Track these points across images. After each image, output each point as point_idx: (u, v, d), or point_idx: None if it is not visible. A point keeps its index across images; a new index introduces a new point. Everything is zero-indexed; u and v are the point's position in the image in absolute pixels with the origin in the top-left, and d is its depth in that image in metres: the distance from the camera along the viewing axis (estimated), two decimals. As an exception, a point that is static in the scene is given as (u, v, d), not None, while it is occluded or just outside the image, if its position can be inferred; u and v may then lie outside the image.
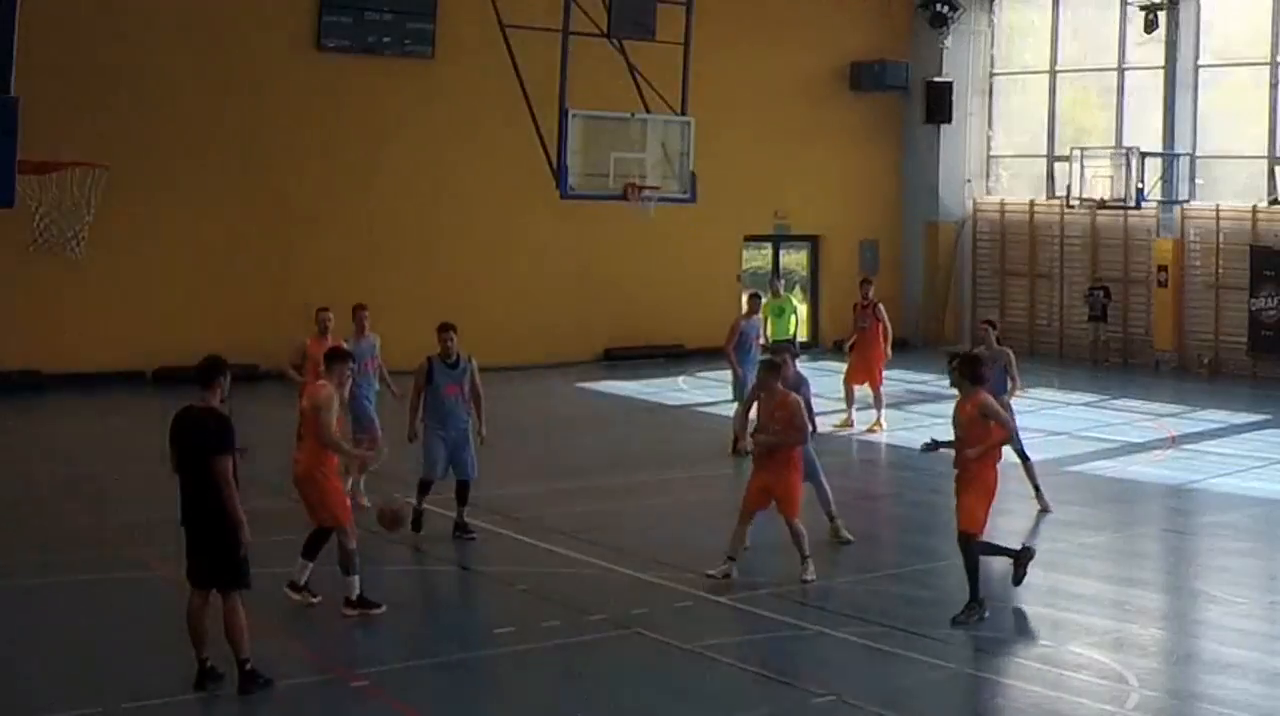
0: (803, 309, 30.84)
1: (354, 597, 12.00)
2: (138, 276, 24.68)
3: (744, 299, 22.45)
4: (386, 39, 27.09)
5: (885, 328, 21.66)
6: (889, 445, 20.40)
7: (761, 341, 20.52)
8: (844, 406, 21.60)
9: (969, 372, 12.22)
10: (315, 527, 12.39)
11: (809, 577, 12.99)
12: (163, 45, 24.92)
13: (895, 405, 24.22)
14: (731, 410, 19.99)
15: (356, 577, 12.00)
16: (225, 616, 10.05)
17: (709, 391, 25.35)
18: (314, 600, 12.21)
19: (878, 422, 21.20)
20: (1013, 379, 16.49)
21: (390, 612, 12.34)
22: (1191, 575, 14.02)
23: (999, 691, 10.45)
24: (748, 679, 10.61)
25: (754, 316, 20.67)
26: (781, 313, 22.87)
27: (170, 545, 11.22)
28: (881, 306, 21.99)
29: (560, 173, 18.77)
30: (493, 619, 12.00)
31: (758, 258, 32.57)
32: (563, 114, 18.73)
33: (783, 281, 26.21)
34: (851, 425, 21.27)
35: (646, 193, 19.23)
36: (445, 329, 14.79)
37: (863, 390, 21.54)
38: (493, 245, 27.90)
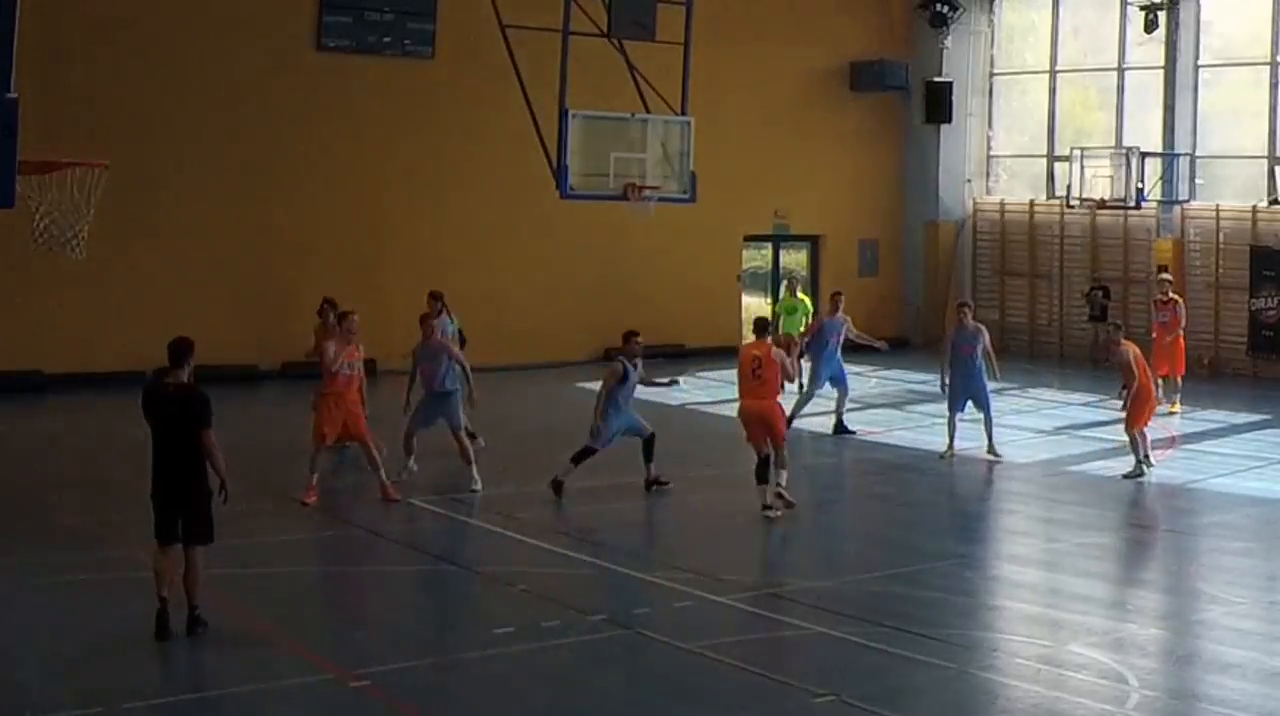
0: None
1: (773, 497, 15.46)
2: (138, 276, 24.68)
3: (827, 298, 22.83)
4: (386, 39, 27.09)
5: (1182, 321, 23.31)
6: (888, 445, 20.39)
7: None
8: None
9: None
10: (760, 458, 15.61)
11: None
12: (163, 45, 24.92)
13: (895, 405, 24.25)
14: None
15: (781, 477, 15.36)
16: (187, 566, 11.16)
17: (709, 391, 25.33)
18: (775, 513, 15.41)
19: (1175, 404, 22.73)
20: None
21: (390, 612, 12.36)
22: (1191, 575, 14.03)
23: (999, 691, 10.45)
24: (748, 679, 10.60)
25: (837, 314, 21.13)
26: (794, 311, 23.40)
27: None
28: (1180, 302, 23.64)
29: (560, 173, 18.75)
30: (493, 619, 11.99)
31: (758, 258, 32.57)
32: (563, 114, 18.71)
33: (800, 283, 26.86)
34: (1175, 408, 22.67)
35: (646, 193, 19.21)
36: None
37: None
38: (493, 245, 27.89)
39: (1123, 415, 18.34)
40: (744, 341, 17.07)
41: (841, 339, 20.99)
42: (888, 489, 17.95)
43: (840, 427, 20.84)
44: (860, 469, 18.81)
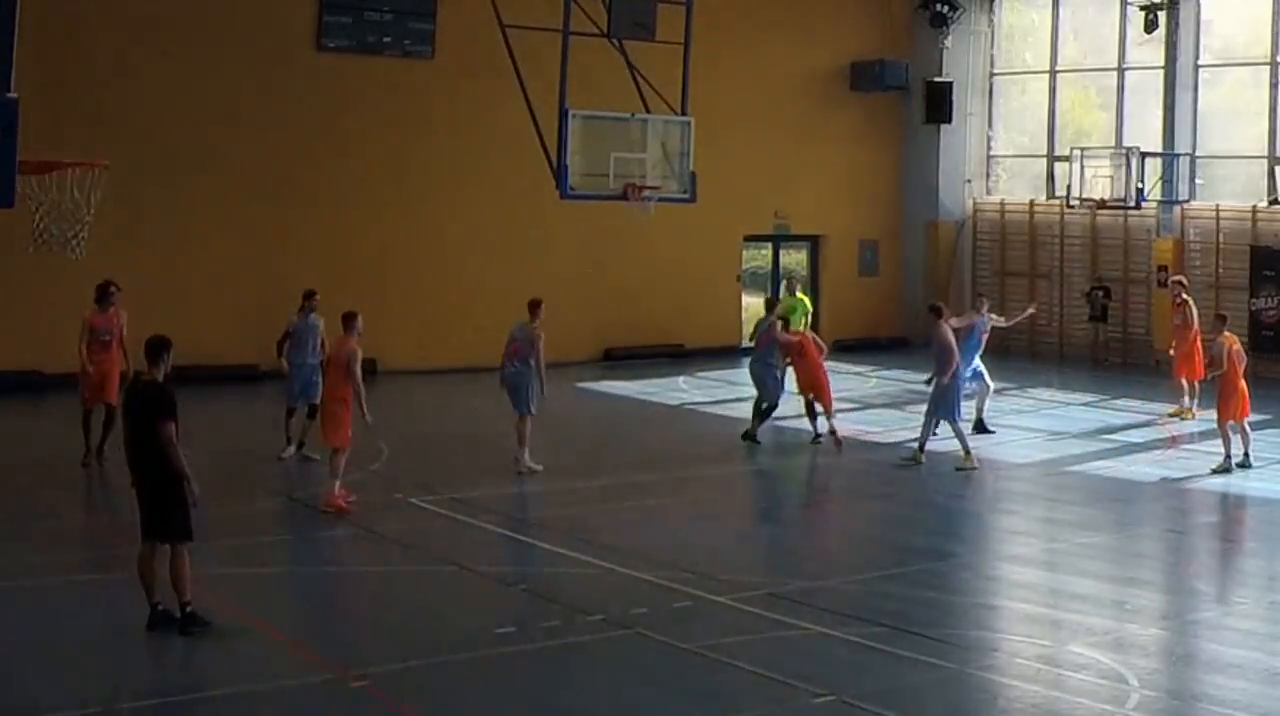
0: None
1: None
2: (137, 276, 24.55)
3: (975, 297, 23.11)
4: (386, 39, 27.09)
5: (1193, 324, 23.05)
6: (887, 445, 20.39)
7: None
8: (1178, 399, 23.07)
9: None
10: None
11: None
12: (163, 45, 24.90)
13: (895, 405, 24.24)
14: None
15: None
16: (171, 564, 11.14)
17: (709, 391, 25.35)
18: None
19: (1189, 410, 22.54)
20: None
21: (390, 613, 12.36)
22: (1191, 575, 14.03)
23: (999, 691, 10.45)
24: (748, 679, 10.61)
25: (983, 312, 21.43)
26: (794, 311, 23.46)
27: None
28: (1192, 304, 23.25)
29: (560, 173, 18.75)
30: (493, 619, 11.99)
31: (758, 258, 32.57)
32: (563, 114, 18.71)
33: (800, 283, 27.08)
34: (1191, 415, 22.43)
35: (646, 193, 19.21)
36: None
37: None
38: (493, 245, 27.87)
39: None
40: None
41: (987, 335, 21.13)
42: (887, 489, 17.95)
43: (980, 426, 20.60)
44: (860, 469, 18.81)
